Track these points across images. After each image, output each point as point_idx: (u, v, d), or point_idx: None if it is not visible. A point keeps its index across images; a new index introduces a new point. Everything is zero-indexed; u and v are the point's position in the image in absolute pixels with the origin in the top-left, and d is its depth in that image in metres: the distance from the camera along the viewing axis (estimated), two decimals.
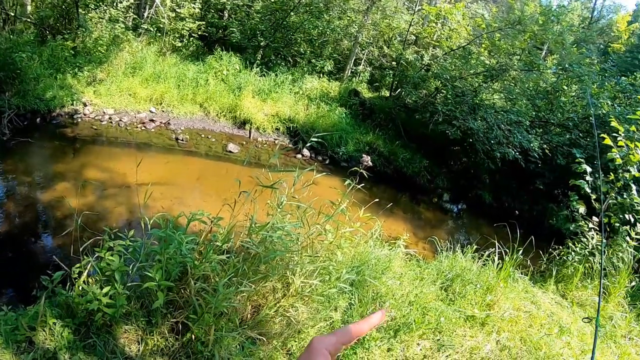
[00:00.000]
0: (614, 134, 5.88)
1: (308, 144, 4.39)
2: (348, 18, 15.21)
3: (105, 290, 3.08)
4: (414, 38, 16.25)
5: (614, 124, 5.96)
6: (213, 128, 10.46)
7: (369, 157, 4.23)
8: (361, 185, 4.12)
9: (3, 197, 6.89)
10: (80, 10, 12.16)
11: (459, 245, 5.73)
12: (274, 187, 3.53)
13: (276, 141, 11.00)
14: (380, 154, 11.67)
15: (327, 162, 10.87)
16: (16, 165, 7.91)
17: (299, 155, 10.63)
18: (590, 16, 33.91)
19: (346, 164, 11.10)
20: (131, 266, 3.27)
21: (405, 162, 11.83)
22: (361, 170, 4.03)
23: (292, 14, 13.61)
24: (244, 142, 10.41)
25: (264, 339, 3.30)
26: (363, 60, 16.73)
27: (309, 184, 3.99)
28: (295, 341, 3.44)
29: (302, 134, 11.18)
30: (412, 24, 14.89)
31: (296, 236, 3.74)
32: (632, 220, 5.95)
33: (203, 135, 10.10)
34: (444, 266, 5.22)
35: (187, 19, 12.87)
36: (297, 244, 3.77)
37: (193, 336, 3.13)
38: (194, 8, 13.17)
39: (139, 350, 3.15)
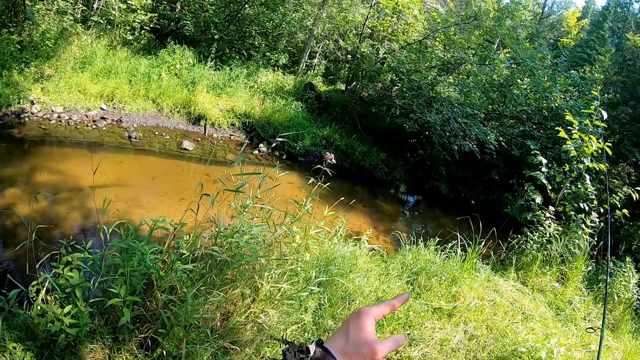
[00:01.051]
0: (569, 127, 6.09)
1: (273, 144, 4.32)
2: (303, 11, 15.09)
3: (66, 309, 2.89)
4: (370, 31, 16.32)
5: (568, 117, 6.17)
6: (167, 125, 10.15)
7: (332, 155, 4.22)
8: (326, 184, 4.11)
9: None
10: (27, 1, 11.53)
11: (420, 237, 5.80)
12: (239, 191, 3.42)
13: (232, 137, 10.82)
14: (338, 148, 11.67)
15: (284, 157, 10.78)
16: None
17: (256, 151, 10.50)
18: (541, 11, 35.17)
19: (303, 158, 11.07)
20: (92, 281, 3.10)
21: (362, 155, 11.89)
22: (325, 168, 4.01)
23: (246, 6, 13.38)
24: (199, 139, 10.18)
25: (237, 347, 3.21)
26: (318, 54, 16.66)
27: (273, 187, 3.91)
28: (269, 347, 3.36)
29: (258, 129, 11.03)
30: (368, 17, 14.93)
31: (263, 239, 3.66)
32: (587, 208, 6.18)
33: (157, 133, 9.79)
34: (408, 260, 5.28)
35: (138, 10, 12.42)
36: (264, 248, 3.69)
37: (164, 351, 2.99)
38: (145, 0, 12.74)
39: None
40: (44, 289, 3.02)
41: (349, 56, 15.94)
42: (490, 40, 13.58)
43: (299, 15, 15.04)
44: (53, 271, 3.09)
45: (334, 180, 9.99)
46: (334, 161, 4.12)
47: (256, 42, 14.10)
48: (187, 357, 2.96)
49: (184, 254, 3.30)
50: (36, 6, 11.60)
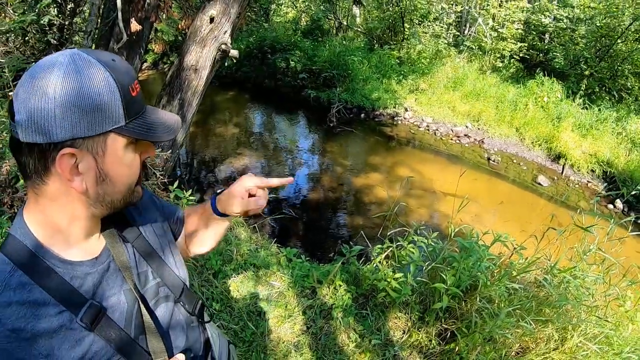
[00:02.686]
0: None
1: (633, 192, 3.91)
2: None
3: (396, 275, 3.39)
4: None
5: None
6: (526, 155, 9.98)
7: None
8: None
9: (320, 171, 8.24)
10: (405, 24, 13.02)
11: None
12: (588, 230, 3.26)
13: (589, 184, 9.94)
14: None
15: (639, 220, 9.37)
16: (337, 149, 9.24)
17: (610, 206, 9.39)
18: None
19: None
20: (427, 263, 3.45)
21: None
22: None
23: (619, 41, 12.11)
24: (555, 177, 9.67)
25: None
26: None
27: (619, 239, 3.53)
28: None
29: (619, 182, 9.83)
30: None
31: (592, 291, 3.43)
32: None
33: (515, 161, 9.75)
34: None
35: (508, 39, 12.63)
36: (591, 300, 3.44)
37: (457, 348, 3.13)
38: (515, 29, 12.84)
39: (401, 338, 3.32)
40: (385, 253, 3.58)
41: None
42: None
43: None
44: (398, 243, 3.61)
45: None
46: None
47: (628, 83, 12.66)
48: None
49: (514, 273, 3.34)
50: (414, 29, 12.96)
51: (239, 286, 3.59)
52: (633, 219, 4.11)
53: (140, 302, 0.96)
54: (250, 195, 1.17)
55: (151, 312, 1.00)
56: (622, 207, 9.28)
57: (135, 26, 4.74)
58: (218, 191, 1.23)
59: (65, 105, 0.76)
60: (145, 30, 5.23)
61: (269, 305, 3.46)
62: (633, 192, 3.92)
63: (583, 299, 3.35)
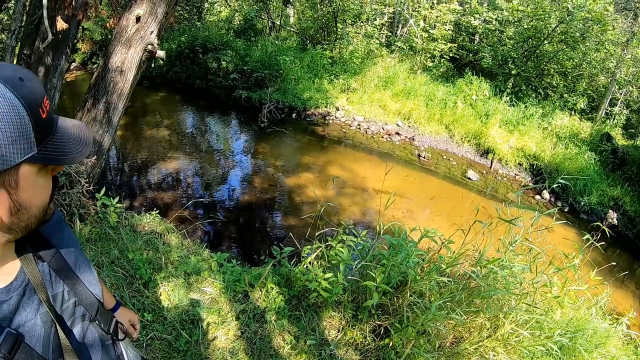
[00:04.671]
0: None
1: (554, 185, 4.00)
2: (606, 51, 13.51)
3: (327, 275, 3.36)
4: None
5: None
6: (455, 151, 10.19)
7: (615, 215, 4.12)
8: (600, 243, 3.74)
9: (252, 173, 8.12)
10: (338, 25, 13.05)
11: None
12: (512, 222, 3.34)
13: (516, 177, 10.22)
14: (625, 213, 9.98)
15: (566, 209, 9.70)
16: (269, 149, 9.17)
17: (538, 197, 9.71)
18: None
19: (586, 216, 9.81)
20: (356, 262, 3.50)
21: None
22: (604, 227, 3.74)
23: (545, 42, 12.59)
24: (484, 172, 9.90)
25: None
26: (620, 101, 14.69)
27: (544, 228, 3.63)
28: None
29: (545, 174, 10.17)
30: None
31: (521, 280, 3.52)
32: None
33: (445, 157, 9.93)
34: None
35: (438, 40, 12.89)
36: (519, 288, 3.55)
37: (391, 343, 3.17)
38: (446, 30, 13.10)
39: (336, 337, 3.35)
40: (315, 254, 3.57)
41: None
42: None
43: (600, 55, 13.53)
44: (328, 243, 3.60)
45: (612, 247, 8.56)
46: (615, 221, 3.95)
47: (554, 82, 13.18)
48: (407, 358, 3.06)
49: (443, 267, 3.41)
50: (347, 29, 13.02)
51: (170, 295, 3.49)
52: (557, 209, 4.16)
53: (57, 324, 0.92)
54: None
55: (68, 333, 0.97)
56: (549, 198, 9.56)
57: (61, 24, 4.60)
58: (121, 304, 1.49)
59: None
60: (72, 28, 5.04)
61: (202, 312, 3.40)
62: (555, 185, 3.87)
63: (512, 288, 3.42)
